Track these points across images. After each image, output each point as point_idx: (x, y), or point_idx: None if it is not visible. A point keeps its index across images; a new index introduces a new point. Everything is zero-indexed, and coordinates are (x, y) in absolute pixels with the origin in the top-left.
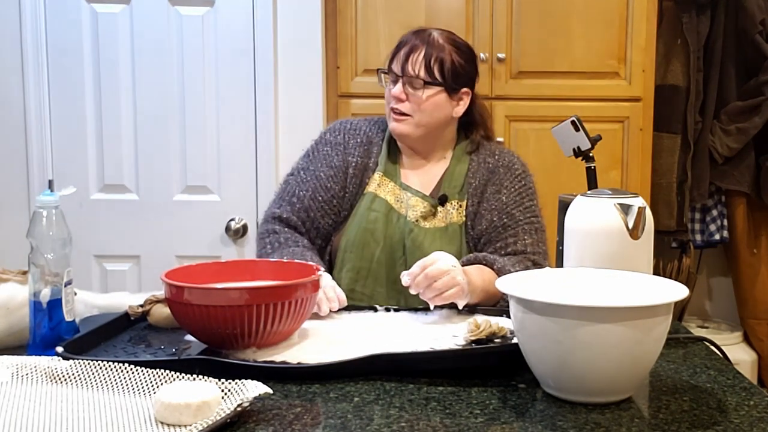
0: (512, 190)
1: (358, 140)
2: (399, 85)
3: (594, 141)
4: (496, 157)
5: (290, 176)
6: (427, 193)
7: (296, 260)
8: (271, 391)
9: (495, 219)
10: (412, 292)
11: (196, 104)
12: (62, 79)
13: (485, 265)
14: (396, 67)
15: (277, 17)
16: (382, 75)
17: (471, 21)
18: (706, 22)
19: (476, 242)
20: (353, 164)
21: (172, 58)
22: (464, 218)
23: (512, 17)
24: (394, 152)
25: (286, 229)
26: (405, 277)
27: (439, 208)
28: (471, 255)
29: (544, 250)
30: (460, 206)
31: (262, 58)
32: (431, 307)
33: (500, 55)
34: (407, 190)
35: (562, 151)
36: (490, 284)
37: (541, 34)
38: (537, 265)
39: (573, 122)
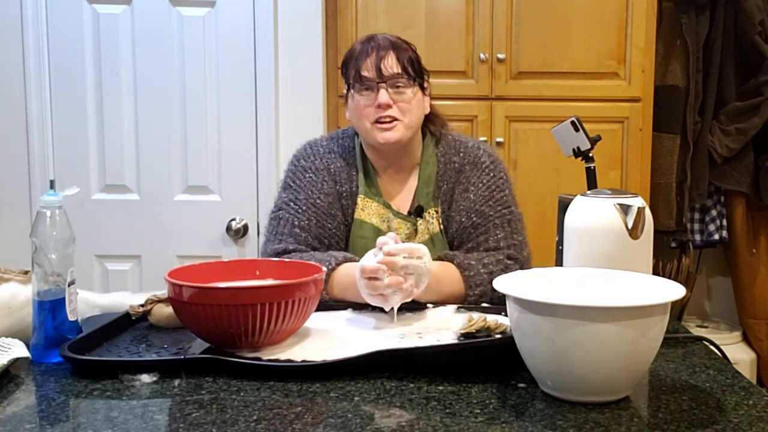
0: (480, 186)
1: (339, 165)
2: (383, 91)
3: (594, 141)
4: (461, 155)
5: (279, 211)
6: (409, 204)
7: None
8: (29, 356)
9: (464, 220)
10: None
11: (197, 104)
12: (63, 79)
13: (447, 261)
14: (370, 74)
15: (277, 18)
16: (357, 88)
17: (471, 21)
18: (705, 22)
19: (451, 246)
20: (344, 194)
21: (173, 59)
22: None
23: (512, 17)
24: (368, 169)
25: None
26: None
27: (419, 221)
28: (441, 253)
29: (519, 241)
30: (437, 212)
31: (263, 58)
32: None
33: (500, 56)
34: (389, 209)
35: (562, 151)
36: (443, 283)
37: (541, 34)
38: (512, 259)
39: (573, 122)
